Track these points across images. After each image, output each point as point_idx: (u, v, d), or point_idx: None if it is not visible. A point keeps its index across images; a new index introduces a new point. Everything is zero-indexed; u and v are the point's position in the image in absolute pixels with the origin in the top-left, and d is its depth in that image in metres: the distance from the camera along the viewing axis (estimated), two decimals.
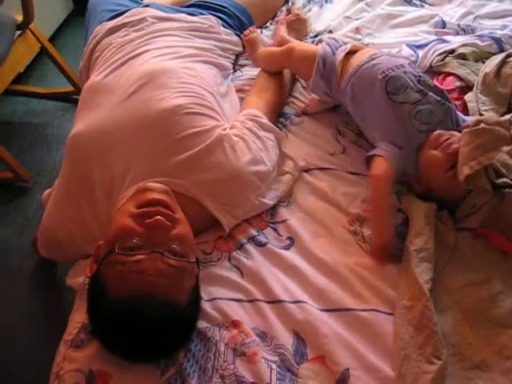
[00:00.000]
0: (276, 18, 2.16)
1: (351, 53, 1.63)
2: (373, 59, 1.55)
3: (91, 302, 1.16)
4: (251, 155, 1.44)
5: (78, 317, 1.25)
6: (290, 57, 1.75)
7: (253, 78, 1.86)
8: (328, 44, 1.69)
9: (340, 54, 1.63)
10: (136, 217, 1.16)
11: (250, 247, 1.37)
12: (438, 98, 1.45)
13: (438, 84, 1.60)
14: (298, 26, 2.05)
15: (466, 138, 1.34)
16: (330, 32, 2.04)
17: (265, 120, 1.57)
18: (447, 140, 1.38)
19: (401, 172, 1.44)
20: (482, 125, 1.34)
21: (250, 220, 1.43)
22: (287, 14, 2.10)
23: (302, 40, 1.99)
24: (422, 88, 1.46)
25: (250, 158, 1.43)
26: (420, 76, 1.50)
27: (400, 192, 1.46)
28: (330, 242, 1.38)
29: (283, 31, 1.95)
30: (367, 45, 1.96)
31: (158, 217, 1.14)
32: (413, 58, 1.81)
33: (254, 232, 1.40)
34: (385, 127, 1.48)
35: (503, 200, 1.33)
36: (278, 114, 1.73)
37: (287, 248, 1.37)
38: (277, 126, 1.62)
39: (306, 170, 1.55)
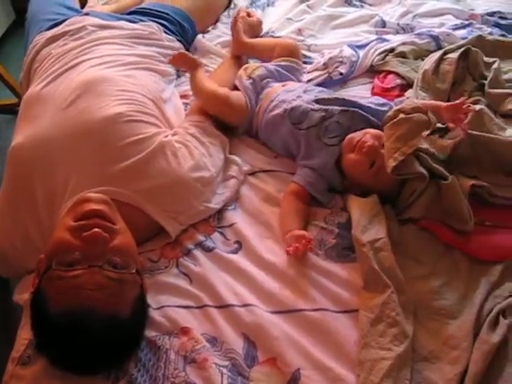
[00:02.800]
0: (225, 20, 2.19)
1: None
2: (271, 101, 1.61)
3: (34, 317, 1.14)
4: (194, 161, 1.44)
5: (25, 333, 1.22)
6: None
7: None
8: (249, 94, 1.68)
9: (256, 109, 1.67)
10: (73, 230, 1.14)
11: (198, 253, 1.37)
12: (340, 108, 1.50)
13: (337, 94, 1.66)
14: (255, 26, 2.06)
15: (387, 132, 1.40)
16: (273, 32, 2.07)
17: (208, 125, 1.57)
18: (359, 140, 1.42)
19: (323, 189, 1.48)
20: (401, 115, 1.40)
21: (197, 225, 1.43)
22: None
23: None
24: (321, 106, 1.52)
25: (192, 164, 1.43)
26: (317, 97, 1.55)
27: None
28: (277, 244, 1.39)
29: (243, 36, 1.92)
30: (309, 46, 2.00)
31: (95, 229, 1.11)
32: (354, 59, 1.84)
33: (201, 237, 1.40)
34: (299, 155, 1.53)
35: (440, 191, 1.36)
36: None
37: (235, 252, 1.37)
38: (221, 132, 1.61)
39: (251, 173, 1.56)
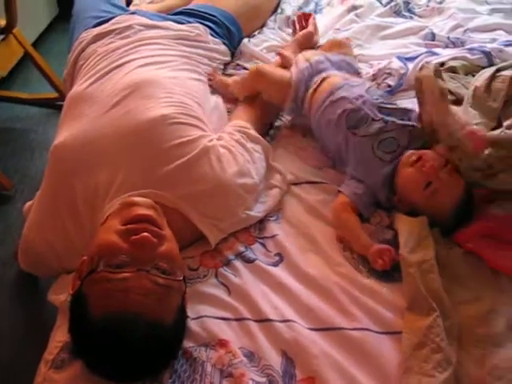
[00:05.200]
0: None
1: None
2: (331, 93, 1.56)
3: (73, 320, 1.12)
4: (238, 167, 1.41)
5: (60, 335, 1.21)
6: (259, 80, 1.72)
7: None
8: (302, 73, 1.65)
9: (309, 92, 1.63)
10: (122, 233, 1.12)
11: (238, 263, 1.34)
12: (401, 122, 1.46)
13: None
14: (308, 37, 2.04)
15: None
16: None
17: (253, 131, 1.54)
18: (421, 157, 1.38)
19: (368, 202, 1.45)
20: None
21: (238, 235, 1.40)
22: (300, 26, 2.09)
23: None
24: (382, 116, 1.47)
25: (236, 170, 1.40)
26: (380, 102, 1.50)
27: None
28: (319, 257, 1.35)
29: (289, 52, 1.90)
30: (357, 56, 1.95)
31: (145, 234, 1.10)
32: (402, 71, 1.80)
33: (241, 248, 1.37)
34: (349, 164, 1.50)
35: None
36: (267, 126, 1.70)
37: (276, 264, 1.34)
38: (265, 139, 1.59)
39: (295, 184, 1.53)
